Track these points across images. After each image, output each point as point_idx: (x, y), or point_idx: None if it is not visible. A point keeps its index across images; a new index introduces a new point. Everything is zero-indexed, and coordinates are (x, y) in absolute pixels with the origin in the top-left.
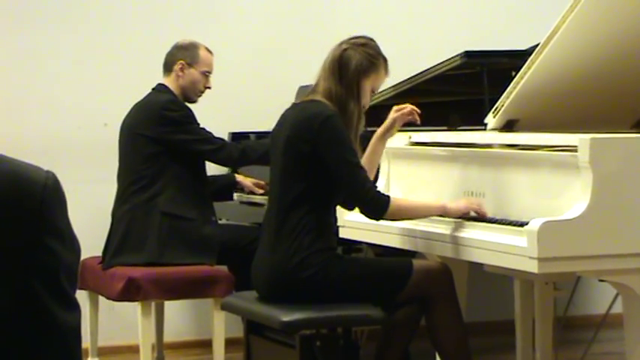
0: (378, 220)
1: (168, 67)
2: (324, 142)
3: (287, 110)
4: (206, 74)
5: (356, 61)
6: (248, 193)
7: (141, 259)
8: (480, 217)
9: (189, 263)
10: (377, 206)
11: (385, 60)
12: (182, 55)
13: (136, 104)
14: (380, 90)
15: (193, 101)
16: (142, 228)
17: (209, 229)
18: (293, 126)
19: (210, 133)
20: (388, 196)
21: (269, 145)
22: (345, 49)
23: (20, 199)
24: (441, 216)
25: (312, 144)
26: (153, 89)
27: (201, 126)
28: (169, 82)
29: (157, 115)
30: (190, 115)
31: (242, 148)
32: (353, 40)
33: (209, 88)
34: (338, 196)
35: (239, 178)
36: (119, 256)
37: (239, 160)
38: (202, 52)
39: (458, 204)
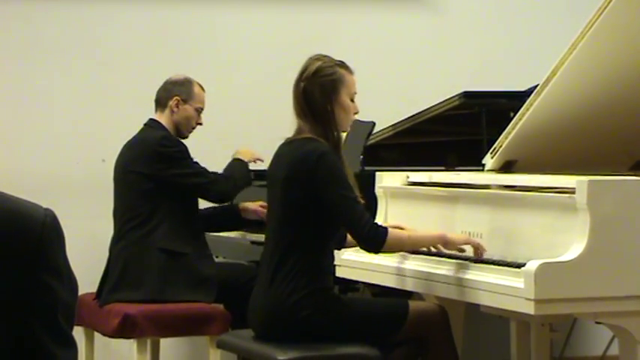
0: (377, 253)
1: (162, 103)
2: (320, 179)
3: (281, 147)
4: (199, 110)
5: (319, 92)
6: (253, 229)
7: (140, 296)
8: (477, 257)
9: (189, 300)
10: (375, 240)
11: (342, 65)
12: (177, 91)
13: (129, 142)
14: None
15: (185, 137)
16: (139, 265)
17: (208, 265)
18: (289, 165)
19: (203, 167)
20: (386, 229)
21: (267, 189)
22: (304, 87)
23: (19, 237)
24: (438, 256)
25: (308, 183)
26: (145, 125)
27: (194, 160)
28: (162, 117)
29: (151, 151)
30: (184, 150)
31: (227, 176)
32: (305, 75)
33: (200, 124)
34: (335, 237)
35: (242, 205)
36: (117, 292)
37: (231, 189)
38: (196, 89)
39: (458, 236)
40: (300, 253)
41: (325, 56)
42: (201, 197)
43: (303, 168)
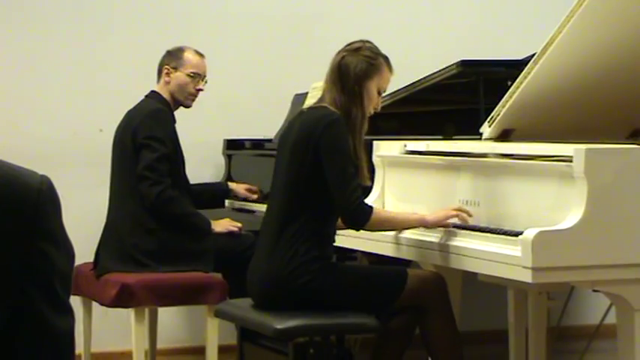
0: (357, 230)
1: (158, 75)
2: (324, 146)
3: (294, 117)
4: (193, 75)
5: (354, 67)
6: (241, 200)
7: (135, 268)
8: (464, 224)
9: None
10: (358, 217)
11: (386, 58)
12: (167, 61)
13: (128, 112)
14: None
15: (187, 105)
16: (134, 238)
17: (199, 239)
18: (300, 131)
19: (166, 167)
20: (371, 208)
21: (276, 156)
22: (343, 57)
23: (15, 204)
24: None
25: (315, 147)
26: (145, 96)
27: (166, 154)
28: (160, 88)
29: (141, 119)
30: (168, 135)
31: (171, 196)
32: (348, 47)
33: (201, 90)
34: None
35: (232, 185)
36: (113, 264)
37: (161, 205)
38: (187, 55)
39: (437, 215)
40: (302, 221)
41: (374, 44)
42: (140, 188)
43: (312, 132)
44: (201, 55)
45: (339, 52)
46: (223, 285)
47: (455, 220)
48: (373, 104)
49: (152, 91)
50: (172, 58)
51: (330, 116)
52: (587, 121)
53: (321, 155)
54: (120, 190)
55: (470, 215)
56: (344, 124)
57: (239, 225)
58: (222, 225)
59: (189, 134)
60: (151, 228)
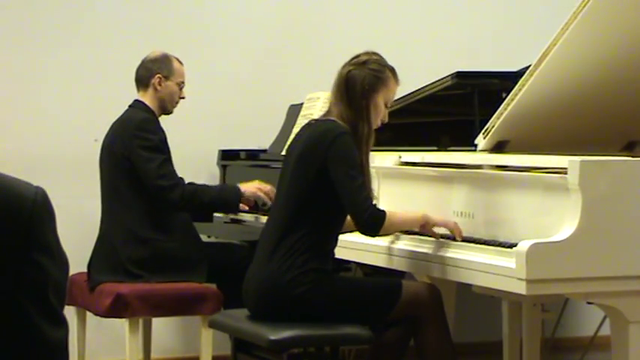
0: (373, 237)
1: (144, 82)
2: (332, 158)
3: (302, 128)
4: (180, 85)
5: (361, 81)
6: (259, 207)
7: (128, 279)
8: (456, 238)
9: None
10: (374, 226)
11: (392, 70)
12: (158, 69)
13: (114, 122)
14: None
15: (170, 112)
16: (127, 249)
17: (195, 248)
18: (306, 143)
19: (172, 168)
20: (384, 212)
21: (282, 167)
22: (349, 71)
23: (9, 215)
24: (422, 234)
25: (321, 160)
26: (130, 106)
27: (167, 158)
28: (146, 97)
29: (130, 133)
30: (163, 141)
31: (192, 190)
32: (355, 60)
33: (183, 98)
34: (341, 221)
35: (243, 187)
36: (106, 275)
37: (188, 203)
38: (176, 64)
39: (437, 215)
40: (302, 232)
41: (381, 56)
42: (153, 195)
43: (319, 144)
44: (182, 63)
45: (345, 65)
46: (218, 296)
47: (458, 223)
48: (380, 117)
49: (136, 100)
50: (163, 67)
51: (338, 129)
52: (582, 133)
53: (328, 167)
54: (112, 201)
55: (460, 235)
56: (351, 138)
57: (268, 187)
58: (252, 187)
59: (183, 144)
60: (144, 237)
